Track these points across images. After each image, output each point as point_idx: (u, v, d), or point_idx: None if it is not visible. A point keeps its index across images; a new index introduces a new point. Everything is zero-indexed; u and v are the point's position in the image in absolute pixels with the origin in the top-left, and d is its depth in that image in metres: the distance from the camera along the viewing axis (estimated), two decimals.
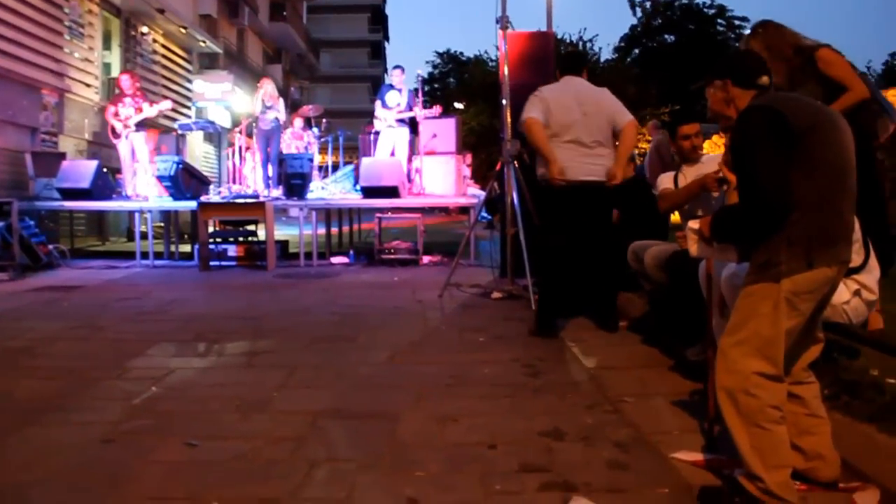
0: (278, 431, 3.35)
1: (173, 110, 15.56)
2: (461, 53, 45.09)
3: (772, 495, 2.44)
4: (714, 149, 13.65)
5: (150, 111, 11.25)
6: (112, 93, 16.22)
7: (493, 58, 29.65)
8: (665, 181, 4.82)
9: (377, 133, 12.19)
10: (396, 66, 12.12)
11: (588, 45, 30.52)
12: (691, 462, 2.94)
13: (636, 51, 36.71)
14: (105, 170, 11.32)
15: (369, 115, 13.04)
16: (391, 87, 11.97)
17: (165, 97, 17.07)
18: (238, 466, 2.97)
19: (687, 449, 3.06)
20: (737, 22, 36.64)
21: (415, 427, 3.43)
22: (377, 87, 57.81)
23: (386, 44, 64.34)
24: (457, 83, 41.03)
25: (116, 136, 11.14)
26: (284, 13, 32.63)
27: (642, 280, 5.06)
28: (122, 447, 3.20)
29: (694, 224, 2.82)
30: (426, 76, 36.87)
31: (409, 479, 2.83)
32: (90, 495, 2.71)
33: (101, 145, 14.93)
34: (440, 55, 46.40)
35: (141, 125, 11.18)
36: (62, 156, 12.54)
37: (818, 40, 4.44)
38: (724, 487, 2.62)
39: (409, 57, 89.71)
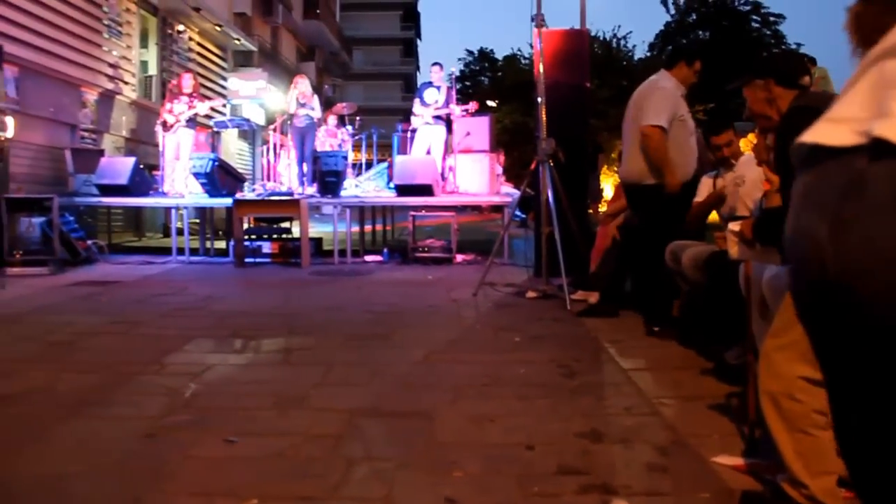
0: (316, 429, 3.37)
1: (212, 108, 15.72)
2: (491, 51, 45.16)
3: (816, 502, 2.40)
4: (750, 147, 13.48)
5: (202, 107, 11.44)
6: (149, 90, 16.47)
7: (526, 56, 29.57)
8: (703, 188, 4.78)
9: (414, 130, 12.20)
10: (435, 63, 12.13)
11: (622, 42, 30.33)
12: (732, 466, 2.90)
13: (670, 48, 36.37)
14: (142, 166, 11.47)
15: (401, 112, 13.10)
16: (430, 84, 11.99)
17: (203, 95, 17.30)
18: (277, 463, 2.99)
19: (727, 453, 3.01)
20: (772, 18, 36.21)
21: (452, 426, 3.42)
22: (409, 84, 58.37)
23: (418, 41, 64.46)
24: (489, 81, 41.00)
25: (168, 128, 11.31)
26: (318, 11, 32.78)
27: (680, 280, 5.01)
28: (162, 442, 3.23)
29: (735, 226, 2.78)
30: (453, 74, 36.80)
31: (447, 479, 2.83)
32: (133, 488, 2.74)
33: (139, 142, 15.13)
34: (471, 53, 46.48)
35: (192, 122, 11.33)
36: (101, 153, 12.74)
37: None
38: (766, 493, 2.59)
39: (440, 55, 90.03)
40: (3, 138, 9.06)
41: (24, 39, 11.54)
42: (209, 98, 14.14)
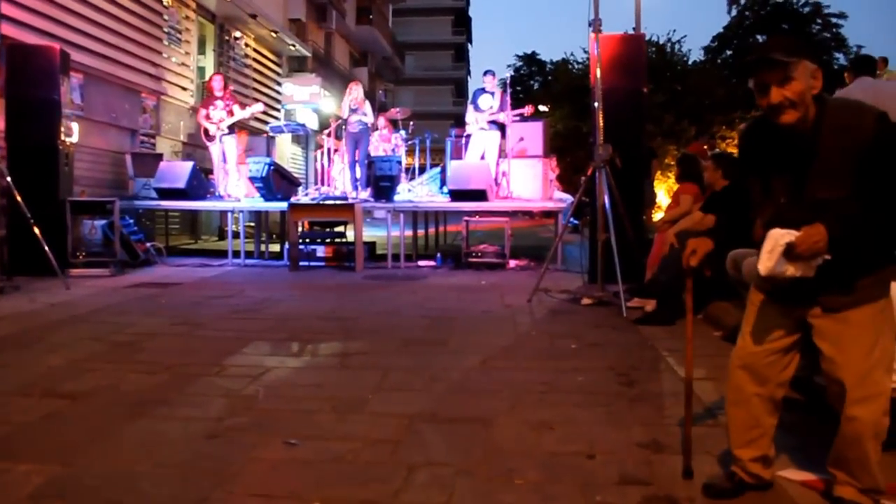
0: (375, 433, 3.38)
1: (264, 112, 15.91)
2: (534, 53, 45.27)
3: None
4: None
5: (242, 114, 11.54)
6: (203, 95, 16.77)
7: (579, 60, 29.38)
8: None
9: (468, 136, 12.23)
10: (487, 72, 12.12)
11: (676, 46, 29.92)
12: (800, 481, 2.83)
13: (728, 52, 35.75)
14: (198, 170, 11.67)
15: (452, 116, 13.17)
16: (483, 90, 11.99)
17: (256, 100, 17.54)
18: (338, 467, 3.01)
19: (791, 467, 2.95)
20: (833, 20, 35.36)
21: (511, 433, 3.41)
22: (460, 89, 58.52)
23: (469, 46, 64.52)
24: (540, 86, 40.83)
25: (210, 138, 11.46)
26: (371, 16, 33.10)
27: (741, 289, 4.92)
28: (225, 443, 3.28)
29: (788, 237, 2.38)
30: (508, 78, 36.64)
31: (508, 486, 2.82)
32: (198, 488, 2.78)
33: (196, 146, 15.41)
34: (521, 58, 46.42)
35: (231, 127, 11.46)
36: (159, 157, 13.01)
37: None
38: None
39: (491, 59, 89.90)
40: (68, 143, 9.30)
41: (89, 47, 11.87)
42: (247, 98, 14.21)
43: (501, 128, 11.89)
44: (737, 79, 28.58)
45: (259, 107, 13.04)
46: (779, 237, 2.39)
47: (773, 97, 2.39)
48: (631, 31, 9.89)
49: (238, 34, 18.68)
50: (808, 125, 2.41)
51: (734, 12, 36.15)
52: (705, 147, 14.07)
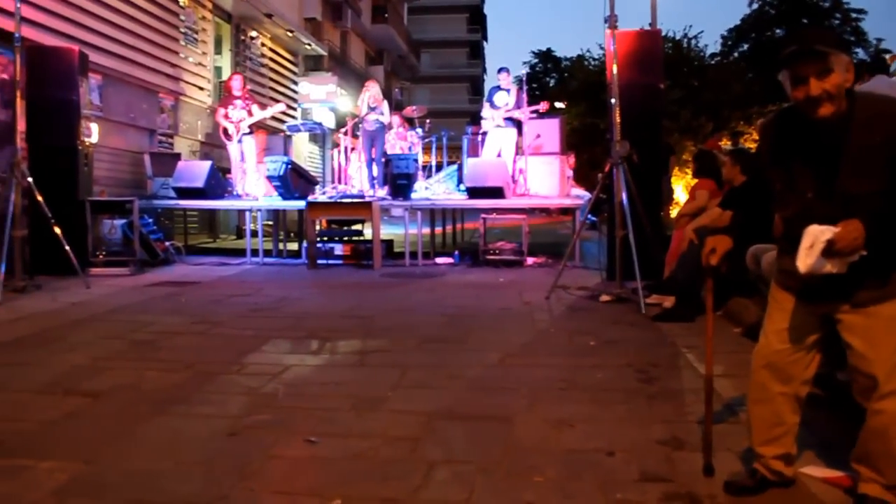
0: (395, 431, 3.39)
1: (282, 112, 15.95)
2: (551, 51, 45.18)
3: None
4: None
5: (263, 114, 11.59)
6: (221, 95, 16.84)
7: (595, 56, 29.23)
8: None
9: (484, 134, 12.23)
10: (502, 69, 12.13)
11: (692, 42, 29.74)
12: (822, 478, 2.81)
13: (744, 46, 35.49)
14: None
15: (468, 114, 13.16)
16: (499, 87, 12.01)
17: (274, 99, 17.61)
18: (358, 465, 3.02)
19: (813, 463, 2.93)
20: (854, 15, 35.01)
21: (530, 431, 3.41)
22: (475, 86, 58.35)
23: (484, 44, 64.35)
24: (556, 83, 40.69)
25: (229, 137, 11.51)
26: (386, 15, 33.07)
27: (761, 285, 4.88)
28: (245, 441, 3.30)
29: (827, 233, 2.34)
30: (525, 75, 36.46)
31: (528, 483, 2.82)
32: (219, 486, 2.80)
33: (213, 146, 15.48)
34: (537, 55, 46.28)
35: (250, 127, 11.51)
36: (178, 156, 13.08)
37: None
38: None
39: (506, 57, 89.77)
40: (87, 143, 9.36)
41: (107, 48, 11.95)
42: (263, 98, 14.21)
43: (518, 125, 11.89)
44: (754, 73, 28.41)
45: (280, 106, 13.12)
46: (818, 234, 2.35)
47: (813, 90, 2.36)
48: (647, 27, 9.80)
49: (254, 34, 18.74)
50: (840, 119, 2.39)
51: (755, 6, 35.85)
52: (723, 142, 13.98)
